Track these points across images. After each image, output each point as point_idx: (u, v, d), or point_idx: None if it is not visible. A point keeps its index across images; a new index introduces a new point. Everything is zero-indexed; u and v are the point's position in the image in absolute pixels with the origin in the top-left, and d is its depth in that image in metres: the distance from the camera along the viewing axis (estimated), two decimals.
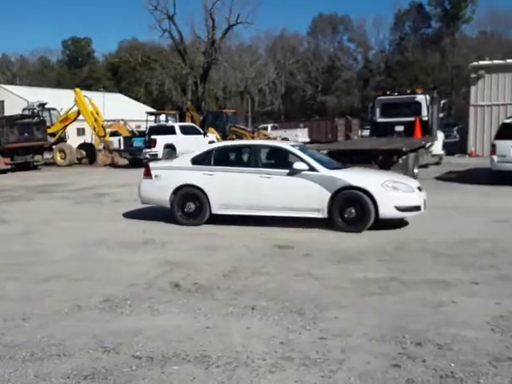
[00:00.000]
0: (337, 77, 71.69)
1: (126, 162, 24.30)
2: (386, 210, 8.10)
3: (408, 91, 18.53)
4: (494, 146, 13.79)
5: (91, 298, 5.29)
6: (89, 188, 15.38)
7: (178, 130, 23.67)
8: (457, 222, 8.86)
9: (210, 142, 25.41)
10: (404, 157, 13.25)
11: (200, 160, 9.44)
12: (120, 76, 66.12)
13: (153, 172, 9.71)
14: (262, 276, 5.96)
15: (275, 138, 36.22)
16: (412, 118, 17.10)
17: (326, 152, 14.26)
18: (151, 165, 10.06)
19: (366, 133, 28.98)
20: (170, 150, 22.62)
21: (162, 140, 22.38)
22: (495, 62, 25.32)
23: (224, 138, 31.17)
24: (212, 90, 51.31)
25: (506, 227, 8.41)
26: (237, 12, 42.38)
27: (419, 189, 8.49)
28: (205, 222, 9.05)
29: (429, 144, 16.96)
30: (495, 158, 13.63)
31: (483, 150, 22.38)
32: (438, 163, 18.90)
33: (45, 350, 4.07)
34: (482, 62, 24.97)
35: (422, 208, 8.31)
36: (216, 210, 9.06)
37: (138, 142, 23.15)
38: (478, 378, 3.46)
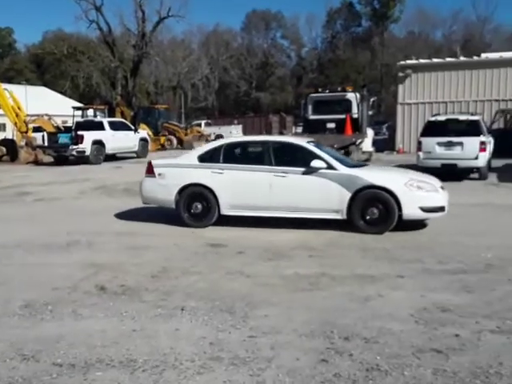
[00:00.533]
0: (271, 73, 72.34)
1: (50, 159, 23.29)
2: (410, 211, 7.68)
3: (339, 89, 18.91)
4: (419, 143, 14.37)
5: (9, 303, 4.99)
6: (10, 187, 14.58)
7: (106, 125, 22.96)
8: None
9: (142, 139, 25.03)
10: None
11: (208, 157, 8.81)
12: (44, 68, 63.40)
13: (156, 170, 8.99)
14: (193, 275, 5.85)
15: (209, 135, 36.04)
16: (343, 116, 17.48)
17: None
18: (154, 162, 9.25)
19: (300, 130, 29.41)
20: (99, 147, 21.95)
21: (89, 136, 21.63)
22: (421, 61, 26.41)
23: (156, 134, 30.66)
24: (143, 85, 50.23)
25: (430, 222, 8.73)
26: (168, 5, 41.80)
27: (442, 188, 8.11)
28: (213, 223, 8.52)
29: (359, 141, 17.42)
30: (421, 154, 14.21)
31: (410, 146, 23.30)
32: (367, 160, 19.43)
33: None
34: (409, 61, 25.97)
35: (446, 208, 7.89)
36: (225, 210, 8.49)
37: (63, 138, 22.23)
38: (403, 370, 3.54)
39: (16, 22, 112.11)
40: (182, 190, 8.64)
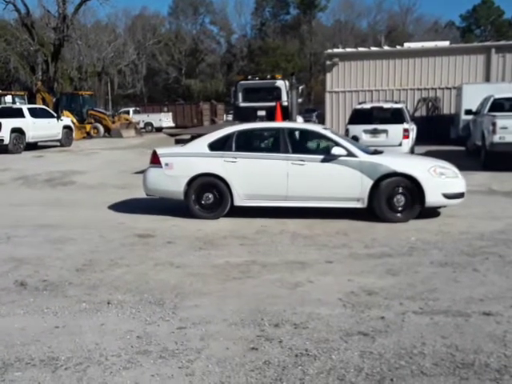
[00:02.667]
0: (200, 60, 71.47)
1: None
2: (433, 198, 7.62)
3: (268, 76, 18.97)
4: (347, 131, 14.69)
5: None
6: None
7: (26, 112, 21.78)
8: None
9: (66, 127, 23.99)
10: None
11: (219, 145, 8.34)
12: None
13: (162, 159, 8.41)
14: (120, 268, 5.67)
15: (138, 123, 35.15)
16: (273, 103, 17.56)
17: (189, 137, 14.14)
18: (159, 151, 8.58)
19: (231, 117, 29.33)
20: (18, 135, 20.82)
21: (8, 124, 20.43)
22: (348, 50, 26.98)
23: (81, 122, 29.52)
24: (65, 70, 47.94)
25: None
26: None
27: (460, 174, 8.04)
28: (224, 214, 8.16)
29: None
30: None
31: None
32: None
33: None
34: (336, 50, 26.45)
35: (465, 195, 7.89)
36: (239, 201, 8.14)
37: None
38: (331, 354, 3.59)
39: None
40: (192, 181, 8.23)
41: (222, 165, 8.18)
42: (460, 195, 7.85)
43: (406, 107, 16.56)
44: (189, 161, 8.40)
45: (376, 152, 8.42)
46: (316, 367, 3.41)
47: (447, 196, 7.70)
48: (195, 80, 67.95)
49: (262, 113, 17.81)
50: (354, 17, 71.80)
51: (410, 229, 7.21)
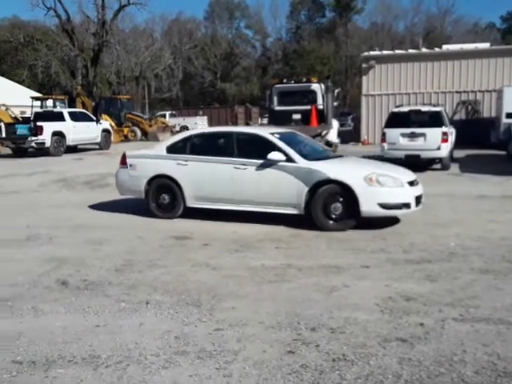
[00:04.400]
0: (236, 64, 71.94)
1: (8, 151, 22.57)
2: (369, 208, 7.22)
3: (304, 80, 18.96)
4: (384, 135, 14.53)
5: None
6: None
7: (67, 116, 22.37)
8: None
9: (104, 130, 24.50)
10: None
11: (175, 148, 8.67)
12: (0, 57, 61.15)
13: (128, 161, 8.98)
14: (158, 269, 5.76)
15: (174, 126, 35.60)
16: (308, 107, 17.54)
17: None
18: (127, 153, 9.18)
19: (266, 121, 29.40)
20: (59, 138, 21.39)
21: (49, 127, 21.03)
22: (385, 52, 26.71)
23: (119, 125, 30.09)
24: (104, 75, 49.07)
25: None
26: None
27: (412, 183, 7.56)
28: (179, 215, 8.48)
29: (324, 132, 17.52)
30: (385, 145, 14.38)
31: (375, 138, 23.56)
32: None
33: None
34: (372, 53, 26.22)
35: (413, 205, 7.39)
36: (191, 203, 8.43)
37: (22, 130, 21.51)
38: (368, 360, 3.56)
39: None
40: (151, 181, 8.61)
41: (175, 167, 8.47)
42: (402, 206, 7.33)
43: (445, 110, 16.26)
44: (148, 162, 8.79)
45: (329, 157, 8.32)
46: (354, 372, 3.38)
47: (384, 206, 7.25)
48: (230, 84, 68.40)
49: (297, 116, 17.83)
50: (391, 19, 71.02)
51: (449, 234, 7.07)
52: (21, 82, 51.52)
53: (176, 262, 5.99)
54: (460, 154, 16.95)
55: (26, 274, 5.56)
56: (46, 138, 20.90)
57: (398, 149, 14.03)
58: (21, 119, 23.87)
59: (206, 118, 42.69)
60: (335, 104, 19.37)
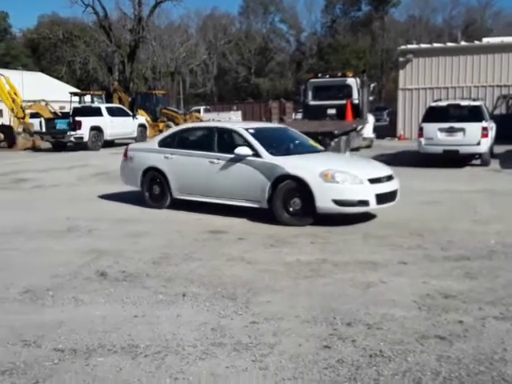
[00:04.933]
0: (270, 59, 71.82)
1: (48, 145, 23.17)
2: (323, 204, 7.23)
3: (339, 74, 18.77)
4: (421, 129, 14.26)
5: (9, 289, 4.96)
6: (7, 173, 14.51)
7: (104, 111, 22.82)
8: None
9: (140, 125, 24.87)
10: (336, 139, 13.43)
11: (165, 142, 9.13)
12: (40, 53, 62.69)
13: (128, 153, 9.61)
14: (194, 262, 5.82)
15: (208, 121, 35.87)
16: (343, 101, 17.37)
17: None
18: (129, 146, 9.81)
19: (300, 116, 29.26)
20: (97, 133, 21.82)
21: (87, 122, 21.51)
22: (422, 46, 26.20)
23: (154, 120, 30.45)
24: (140, 70, 49.76)
25: (433, 208, 8.71)
26: None
27: (376, 180, 7.46)
28: (167, 206, 8.90)
29: (360, 127, 17.32)
30: (422, 140, 14.12)
31: (412, 133, 23.18)
32: (368, 146, 19.39)
33: None
34: (409, 46, 25.76)
35: (373, 203, 7.32)
36: (176, 194, 8.83)
37: (61, 124, 22.07)
38: (406, 356, 3.52)
39: (11, 6, 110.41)
40: (145, 173, 9.15)
41: (163, 160, 8.91)
42: (358, 203, 7.25)
43: (485, 105, 15.85)
44: (143, 156, 9.33)
45: (300, 152, 8.41)
46: (391, 368, 3.35)
47: (338, 203, 7.20)
48: (264, 79, 68.37)
49: (331, 111, 17.68)
50: (429, 12, 69.65)
51: (489, 232, 6.91)
52: (60, 78, 52.82)
53: (211, 256, 6.05)
54: (500, 149, 16.49)
55: (67, 265, 5.71)
56: (84, 132, 21.39)
57: (436, 144, 13.76)
58: (60, 114, 24.47)
59: (240, 112, 42.79)
60: (371, 98, 19.14)
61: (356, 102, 17.61)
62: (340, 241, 6.64)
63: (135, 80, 44.32)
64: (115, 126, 22.77)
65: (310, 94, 18.55)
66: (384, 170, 7.90)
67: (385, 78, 60.12)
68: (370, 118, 19.11)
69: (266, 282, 5.09)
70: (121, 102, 30.45)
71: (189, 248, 6.40)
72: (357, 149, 17.21)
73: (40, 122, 23.06)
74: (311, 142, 9.28)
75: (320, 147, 9.25)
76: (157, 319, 4.23)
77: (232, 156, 8.07)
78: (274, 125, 11.04)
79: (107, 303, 4.61)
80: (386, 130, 26.10)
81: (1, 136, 24.13)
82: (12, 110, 23.86)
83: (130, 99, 32.41)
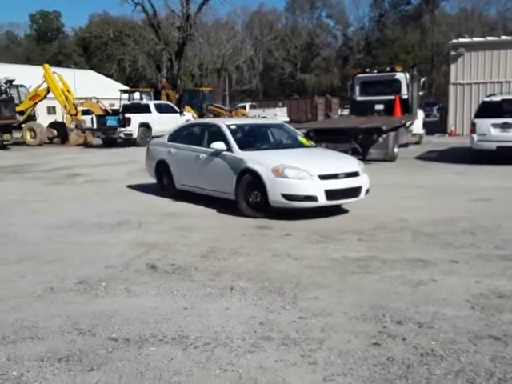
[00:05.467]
0: (316, 54, 71.31)
1: (99, 141, 23.82)
2: (274, 198, 7.52)
3: (387, 69, 18.43)
4: (474, 125, 13.83)
5: (65, 280, 5.14)
6: (61, 168, 15.04)
7: (153, 108, 23.26)
8: (436, 201, 8.89)
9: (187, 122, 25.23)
10: (384, 136, 13.23)
11: (172, 137, 10.03)
12: (91, 52, 64.55)
13: (149, 147, 10.75)
14: (241, 256, 5.87)
15: (254, 117, 35.97)
16: (392, 97, 17.06)
17: (304, 131, 14.22)
18: (151, 141, 11.05)
19: (347, 112, 28.92)
20: (145, 129, 22.27)
21: (136, 118, 21.98)
22: (475, 39, 25.39)
23: (201, 116, 30.78)
24: (188, 67, 50.41)
25: (485, 206, 8.46)
26: None
27: (329, 176, 7.52)
28: (173, 195, 9.63)
29: (409, 123, 16.98)
30: (475, 136, 13.68)
31: (463, 128, 22.52)
32: (418, 142, 18.99)
33: (17, 332, 3.94)
34: (461, 40, 25.01)
35: (322, 199, 7.43)
36: (178, 185, 9.60)
37: (111, 121, 22.68)
38: (459, 356, 3.44)
39: (63, 6, 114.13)
40: (158, 165, 10.02)
41: (168, 154, 9.76)
42: (304, 198, 7.41)
43: None
44: (157, 149, 10.26)
45: (271, 147, 8.85)
46: (443, 368, 3.29)
47: (286, 197, 7.43)
48: (310, 74, 67.98)
49: (379, 107, 17.42)
50: (482, 4, 67.34)
51: None
52: (110, 76, 54.21)
53: (258, 251, 6.08)
54: None
55: (118, 257, 5.88)
56: (133, 129, 21.88)
57: (489, 140, 13.31)
58: (110, 111, 25.12)
59: (285, 109, 42.71)
60: (421, 94, 18.69)
61: (405, 97, 17.25)
62: (388, 238, 6.54)
63: (182, 77, 44.93)
64: (163, 123, 23.14)
65: (357, 89, 18.31)
66: (348, 167, 7.91)
67: (435, 72, 58.61)
68: (420, 114, 18.68)
69: (312, 278, 5.08)
70: (168, 98, 30.99)
71: (235, 243, 6.46)
72: (405, 145, 16.88)
73: (91, 119, 23.77)
74: (300, 138, 9.57)
75: (311, 143, 9.49)
76: (206, 312, 4.29)
77: (212, 150, 8.60)
78: (269, 121, 12.45)
79: (158, 295, 4.72)
80: (436, 126, 25.46)
81: (54, 132, 25.04)
82: (65, 107, 24.66)
83: (177, 96, 32.93)
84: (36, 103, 25.75)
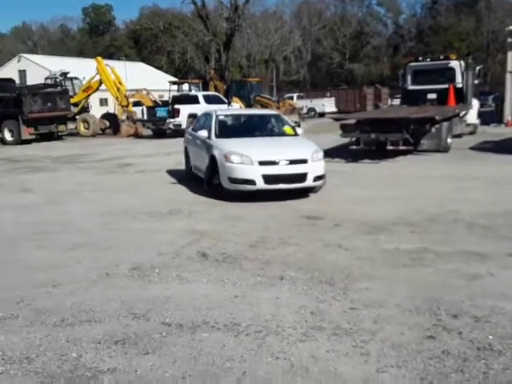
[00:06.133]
0: (365, 43, 69.93)
1: (149, 132, 24.26)
2: (224, 181, 8.43)
3: (441, 57, 17.87)
4: None
5: (119, 266, 5.29)
6: (113, 158, 15.45)
7: (201, 99, 23.42)
8: (491, 193, 8.59)
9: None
10: (437, 126, 12.87)
11: (192, 125, 11.39)
12: (142, 44, 65.69)
13: (185, 135, 11.82)
14: (290, 246, 5.87)
15: (301, 108, 35.72)
16: (445, 86, 16.55)
17: (353, 122, 14.01)
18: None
19: (396, 102, 28.26)
20: (194, 120, 22.50)
21: (185, 109, 22.22)
22: None
23: (248, 107, 30.86)
24: (236, 58, 50.55)
25: None
26: None
27: (269, 162, 8.16)
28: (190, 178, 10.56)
29: (463, 113, 16.43)
30: None
31: None
32: (472, 133, 18.34)
33: (75, 315, 4.09)
34: None
35: (260, 183, 8.09)
36: (192, 168, 10.58)
37: (161, 112, 23.03)
38: None
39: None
40: (185, 150, 11.22)
41: (187, 140, 11.01)
42: (244, 182, 8.30)
43: None
44: (186, 137, 11.44)
45: (246, 136, 9.32)
46: (501, 363, 3.19)
47: (231, 180, 8.42)
48: (359, 64, 66.80)
49: (432, 96, 16.94)
50: None
51: None
52: (159, 68, 55.06)
53: (307, 241, 6.06)
54: None
55: (170, 245, 5.99)
56: (182, 119, 22.15)
57: None
58: (160, 103, 25.52)
59: (333, 99, 42.23)
60: (476, 82, 18.01)
61: (459, 86, 16.69)
62: (442, 230, 6.38)
63: (230, 68, 45.08)
64: None
65: (409, 78, 17.85)
66: (295, 155, 8.41)
67: (490, 60, 56.42)
68: (475, 103, 18.04)
69: (363, 269, 5.02)
70: (216, 89, 31.16)
71: (284, 232, 6.45)
72: (459, 135, 16.36)
73: (142, 110, 24.22)
74: (285, 128, 9.95)
75: (294, 133, 9.78)
76: (256, 300, 4.32)
77: (202, 137, 9.60)
78: (263, 111, 13.50)
79: (209, 282, 4.78)
80: (491, 116, 24.54)
81: (106, 123, 25.69)
82: (117, 98, 25.23)
83: (225, 87, 33.08)
84: (89, 95, 26.48)
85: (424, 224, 6.70)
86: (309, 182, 8.35)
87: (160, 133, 23.29)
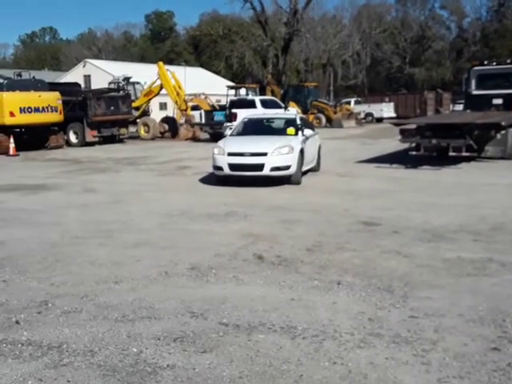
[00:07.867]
0: (427, 47, 68.15)
1: (206, 136, 24.64)
2: (212, 168, 10.83)
3: (508, 61, 17.16)
4: None
5: (178, 265, 5.39)
6: (172, 161, 15.81)
7: (258, 103, 23.53)
8: None
9: None
10: (503, 132, 12.38)
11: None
12: (201, 50, 66.84)
13: None
14: (347, 252, 5.79)
15: (358, 113, 35.28)
16: None
17: (414, 127, 13.69)
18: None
19: (459, 107, 27.37)
20: None
21: (242, 114, 22.33)
22: None
23: (305, 112, 30.77)
24: (293, 63, 50.52)
25: None
26: None
27: (239, 154, 10.10)
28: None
29: None
30: None
31: None
32: None
33: (136, 312, 4.20)
34: None
35: (226, 170, 10.21)
36: None
37: (218, 116, 23.33)
38: None
39: (176, 6, 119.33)
40: None
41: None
42: (217, 168, 10.59)
43: None
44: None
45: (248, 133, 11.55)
46: None
47: (213, 167, 10.84)
48: (420, 68, 65.19)
49: (498, 101, 16.28)
50: None
51: None
52: (218, 73, 55.86)
53: (365, 247, 5.96)
54: None
55: (227, 247, 6.05)
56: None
57: None
58: (217, 107, 25.89)
59: (392, 104, 41.44)
60: None
61: None
62: (507, 240, 6.11)
63: (288, 73, 45.15)
64: None
65: (473, 82, 17.24)
66: (259, 149, 10.20)
67: None
68: None
69: (424, 277, 4.89)
70: (273, 94, 31.28)
71: (341, 238, 6.38)
72: None
73: (200, 114, 24.65)
74: (288, 129, 11.24)
75: (292, 133, 11.05)
76: (313, 304, 4.29)
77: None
78: (281, 115, 14.59)
79: (265, 285, 4.79)
80: None
81: (165, 127, 26.32)
82: (176, 102, 25.80)
83: (282, 91, 33.16)
84: (150, 99, 27.20)
85: (488, 233, 6.45)
86: (266, 172, 10.01)
87: (217, 136, 23.57)
